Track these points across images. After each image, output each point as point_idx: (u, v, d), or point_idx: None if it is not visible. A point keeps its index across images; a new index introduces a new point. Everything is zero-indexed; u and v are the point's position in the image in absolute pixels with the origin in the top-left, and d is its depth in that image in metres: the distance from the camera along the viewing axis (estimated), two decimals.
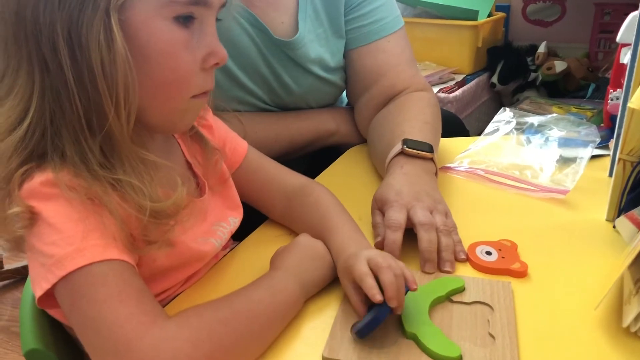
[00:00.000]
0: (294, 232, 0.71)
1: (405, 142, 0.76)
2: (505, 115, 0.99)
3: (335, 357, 0.49)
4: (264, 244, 0.69)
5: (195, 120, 0.62)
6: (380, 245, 0.65)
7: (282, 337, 0.53)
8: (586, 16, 2.38)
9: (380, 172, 0.85)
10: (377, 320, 0.50)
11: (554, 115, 0.98)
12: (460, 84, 2.00)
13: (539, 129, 0.95)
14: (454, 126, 1.13)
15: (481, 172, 0.87)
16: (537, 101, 2.21)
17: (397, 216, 0.65)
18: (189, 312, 0.49)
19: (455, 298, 0.57)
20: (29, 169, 0.48)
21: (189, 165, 0.65)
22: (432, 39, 2.11)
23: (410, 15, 2.15)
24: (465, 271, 0.62)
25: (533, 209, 0.77)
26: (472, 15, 2.04)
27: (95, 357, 0.46)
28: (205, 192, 0.64)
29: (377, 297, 0.51)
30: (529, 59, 2.31)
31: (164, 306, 0.57)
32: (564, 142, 0.90)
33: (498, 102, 2.35)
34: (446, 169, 0.89)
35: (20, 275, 1.74)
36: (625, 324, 0.52)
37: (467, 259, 0.64)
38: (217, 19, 0.55)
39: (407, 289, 0.54)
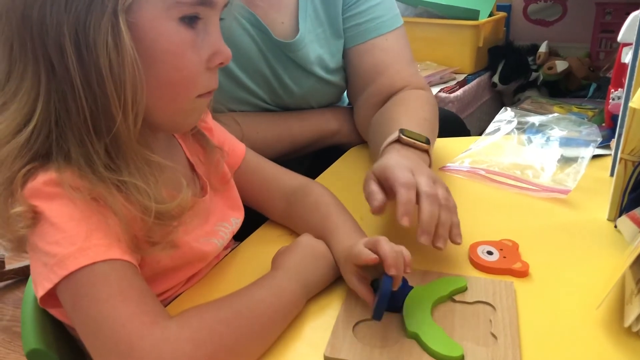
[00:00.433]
0: (295, 232, 0.71)
1: (402, 131, 0.74)
2: (506, 115, 0.99)
3: (337, 357, 0.50)
4: (265, 244, 0.69)
5: (199, 119, 0.62)
6: (378, 210, 0.62)
7: (283, 336, 0.53)
8: (587, 16, 2.37)
9: None
10: (385, 295, 0.50)
11: (555, 114, 0.98)
12: (461, 84, 2.00)
13: (540, 128, 0.95)
14: (455, 126, 1.13)
15: (482, 172, 0.87)
16: (538, 101, 2.21)
17: (408, 175, 0.62)
18: (190, 312, 0.49)
19: (457, 298, 0.57)
20: (32, 168, 0.48)
21: (191, 166, 0.65)
22: (433, 38, 2.11)
23: (411, 15, 2.15)
24: (466, 271, 0.62)
25: (534, 208, 0.77)
26: (473, 15, 2.04)
27: (96, 356, 0.46)
28: (207, 192, 0.64)
29: (372, 256, 0.53)
30: (530, 59, 2.30)
31: (165, 306, 0.57)
32: (566, 142, 0.90)
33: (499, 101, 2.35)
34: (447, 168, 0.89)
35: (22, 276, 1.75)
36: (627, 323, 0.52)
37: (468, 258, 0.64)
38: (220, 19, 0.55)
39: (410, 288, 0.55)
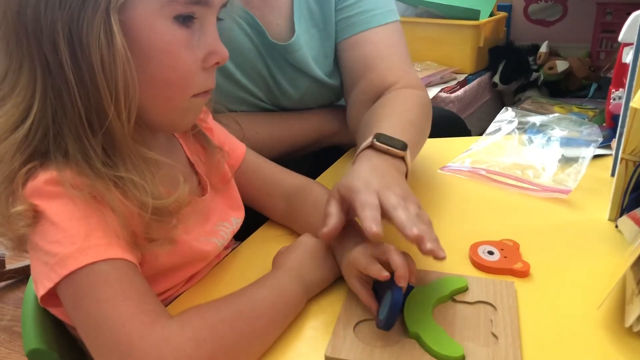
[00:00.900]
0: (295, 232, 0.71)
1: (378, 136, 0.67)
2: (507, 115, 0.99)
3: (338, 357, 0.49)
4: (266, 244, 0.69)
5: (197, 119, 0.62)
6: (326, 236, 0.57)
7: (284, 336, 0.53)
8: (588, 16, 2.37)
9: None
10: (397, 304, 0.50)
11: (556, 114, 0.97)
12: (461, 84, 2.00)
13: (541, 128, 0.95)
14: (455, 126, 1.13)
15: (483, 172, 0.86)
16: (538, 101, 2.21)
17: (371, 199, 0.56)
18: (191, 311, 0.49)
19: (458, 298, 0.57)
20: (32, 167, 0.48)
21: (192, 165, 0.65)
22: (433, 38, 2.11)
23: (411, 14, 2.15)
24: (467, 271, 0.62)
25: (535, 208, 0.77)
26: (473, 15, 2.04)
27: (97, 356, 0.46)
28: (208, 191, 0.64)
29: (384, 273, 0.52)
30: (530, 59, 2.30)
31: (166, 306, 0.57)
32: (566, 142, 0.90)
33: (500, 101, 2.34)
34: (447, 168, 0.89)
35: (23, 275, 1.75)
36: (628, 323, 0.51)
37: (469, 258, 0.64)
38: (218, 19, 0.55)
39: (411, 288, 0.55)
